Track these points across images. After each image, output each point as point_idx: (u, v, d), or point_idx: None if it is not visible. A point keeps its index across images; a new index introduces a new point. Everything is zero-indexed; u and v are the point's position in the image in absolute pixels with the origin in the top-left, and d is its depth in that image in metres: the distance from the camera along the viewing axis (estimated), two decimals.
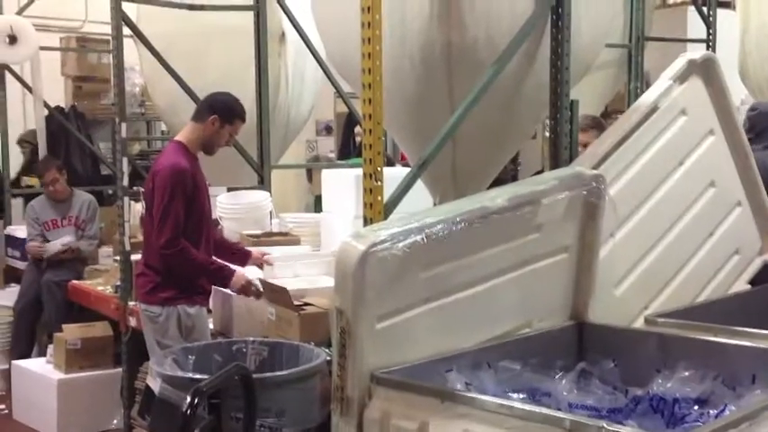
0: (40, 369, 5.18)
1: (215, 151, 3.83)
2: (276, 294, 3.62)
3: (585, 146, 6.04)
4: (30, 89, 7.11)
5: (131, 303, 4.56)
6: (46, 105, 7.22)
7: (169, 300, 3.64)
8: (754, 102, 4.93)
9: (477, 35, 3.34)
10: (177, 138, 3.80)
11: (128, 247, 4.59)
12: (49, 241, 5.90)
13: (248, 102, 5.29)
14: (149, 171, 3.83)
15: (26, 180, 7.32)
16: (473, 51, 3.33)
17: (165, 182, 3.55)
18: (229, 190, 5.16)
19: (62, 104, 7.76)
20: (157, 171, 3.64)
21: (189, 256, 3.59)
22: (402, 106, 3.71)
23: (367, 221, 2.85)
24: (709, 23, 6.22)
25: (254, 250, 4.06)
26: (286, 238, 4.68)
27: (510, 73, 3.41)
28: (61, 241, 5.80)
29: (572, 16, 3.34)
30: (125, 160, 4.60)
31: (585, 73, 4.00)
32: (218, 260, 3.80)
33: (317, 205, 6.61)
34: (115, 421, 4.88)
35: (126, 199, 4.61)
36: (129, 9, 4.88)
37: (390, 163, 6.38)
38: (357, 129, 8.49)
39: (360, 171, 2.99)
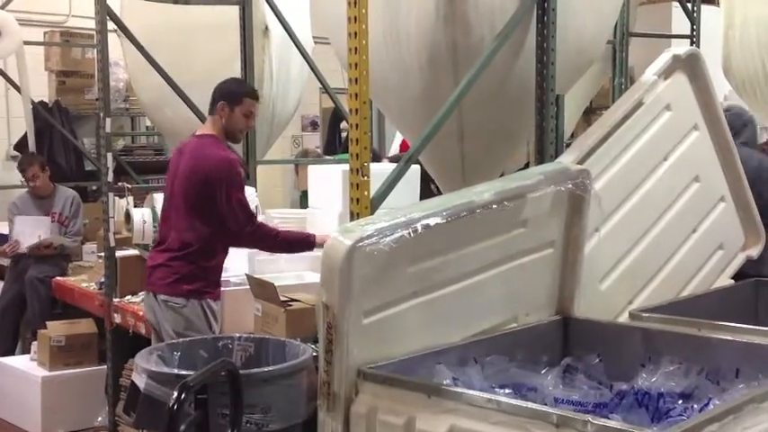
0: (24, 366, 5.15)
1: (239, 138, 3.90)
2: (263, 289, 3.62)
3: None
4: (12, 83, 7.06)
5: (116, 300, 4.54)
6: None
7: (194, 292, 3.61)
8: (727, 103, 4.98)
9: (482, 34, 3.35)
10: (207, 132, 3.74)
11: (112, 244, 4.57)
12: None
13: None
14: (185, 160, 3.71)
15: None
16: (479, 49, 3.34)
17: (229, 175, 3.60)
18: None
19: (46, 99, 7.71)
20: (214, 165, 3.60)
21: (268, 231, 3.68)
22: (410, 106, 3.72)
23: (354, 216, 2.84)
24: (693, 19, 6.25)
25: (319, 236, 3.79)
26: None
27: (510, 65, 3.42)
28: (31, 242, 5.74)
29: (575, 9, 3.34)
30: (109, 156, 4.58)
31: (588, 67, 4.01)
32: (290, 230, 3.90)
33: (302, 201, 6.59)
34: (100, 418, 4.86)
35: (110, 195, 4.58)
36: (113, 3, 4.85)
37: (377, 158, 6.37)
38: (343, 124, 8.49)
39: (346, 166, 2.99)
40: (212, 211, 3.62)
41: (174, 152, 4.03)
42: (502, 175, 4.01)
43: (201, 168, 3.62)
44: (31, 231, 5.79)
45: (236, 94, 3.72)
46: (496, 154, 3.92)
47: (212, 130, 3.74)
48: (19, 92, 6.93)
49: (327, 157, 7.45)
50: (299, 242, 3.74)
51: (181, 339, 3.39)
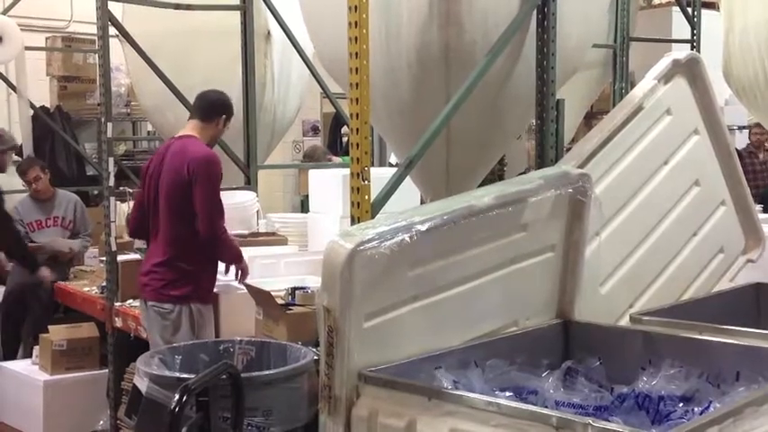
0: (26, 370, 5.15)
1: (212, 147, 3.95)
2: (260, 296, 3.62)
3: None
4: (14, 89, 7.07)
5: (117, 304, 4.55)
6: (31, 105, 7.19)
7: (182, 297, 3.64)
8: None
9: (474, 37, 3.36)
10: (190, 134, 3.82)
11: (114, 248, 4.57)
12: (33, 242, 5.87)
13: (234, 101, 5.26)
14: (167, 161, 3.76)
15: None
16: (470, 53, 3.34)
17: (208, 171, 3.64)
18: None
19: (47, 104, 7.73)
20: (194, 159, 3.65)
21: (230, 241, 3.76)
22: (398, 108, 3.72)
23: (354, 220, 2.85)
24: (694, 24, 6.27)
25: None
26: (273, 239, 4.69)
27: (500, 73, 3.42)
28: (67, 243, 5.77)
29: (559, 17, 3.35)
30: (111, 160, 4.59)
31: (573, 73, 4.02)
32: None
33: (303, 205, 6.60)
34: (102, 422, 4.86)
35: (112, 199, 4.59)
36: (115, 8, 4.86)
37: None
38: (344, 129, 8.50)
39: (347, 171, 3.00)
40: (194, 212, 3.64)
41: (152, 157, 4.04)
42: (482, 184, 4.01)
43: (184, 164, 3.65)
44: None
45: (231, 111, 3.95)
46: (481, 159, 3.93)
47: (198, 134, 3.80)
48: None
49: (328, 162, 7.46)
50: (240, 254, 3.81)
51: (182, 343, 3.40)
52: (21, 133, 7.06)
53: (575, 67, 3.94)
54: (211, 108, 3.86)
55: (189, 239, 3.64)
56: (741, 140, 7.66)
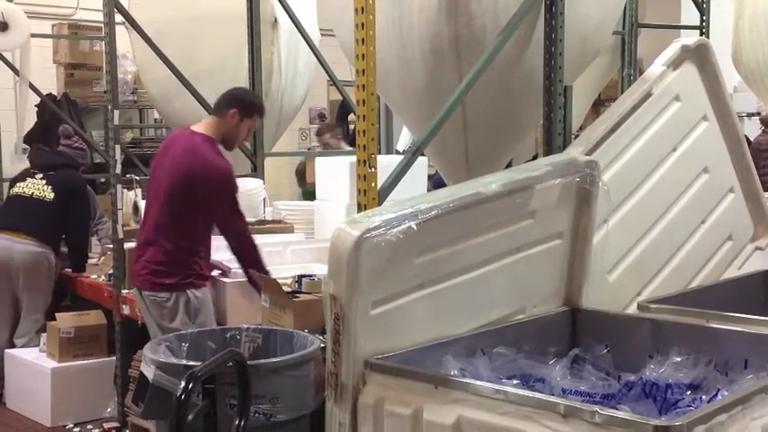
0: (34, 358, 5.18)
1: (234, 146, 3.90)
2: (267, 284, 3.62)
3: (327, 145, 7.07)
4: None
5: (125, 291, 4.56)
6: (38, 92, 7.20)
7: (177, 285, 3.64)
8: None
9: (485, 24, 3.34)
10: (201, 131, 3.72)
11: (121, 235, 4.58)
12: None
13: None
14: (173, 156, 3.71)
15: None
16: (481, 41, 3.33)
17: (226, 188, 3.65)
18: None
19: (54, 92, 7.72)
20: (211, 180, 3.62)
21: (251, 239, 3.75)
22: (413, 96, 3.72)
23: (361, 208, 2.84)
24: (703, 10, 6.22)
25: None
26: (279, 226, 4.69)
27: (512, 58, 3.40)
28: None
29: (578, 1, 3.33)
30: (118, 148, 4.59)
31: (595, 57, 4.00)
32: None
33: (305, 198, 6.58)
34: (109, 409, 4.88)
35: (119, 187, 4.60)
36: None
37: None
38: (351, 116, 8.48)
39: (354, 158, 2.99)
40: (194, 210, 3.62)
41: (161, 147, 4.00)
42: (509, 166, 4.01)
43: (199, 172, 3.60)
44: None
45: (252, 108, 3.77)
46: (500, 146, 3.92)
47: (211, 131, 3.72)
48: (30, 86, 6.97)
49: (334, 150, 7.45)
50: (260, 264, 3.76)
51: (189, 330, 3.40)
52: (18, 118, 7.08)
53: (596, 50, 3.91)
54: (223, 102, 3.75)
55: (181, 231, 3.63)
56: (750, 128, 7.62)
